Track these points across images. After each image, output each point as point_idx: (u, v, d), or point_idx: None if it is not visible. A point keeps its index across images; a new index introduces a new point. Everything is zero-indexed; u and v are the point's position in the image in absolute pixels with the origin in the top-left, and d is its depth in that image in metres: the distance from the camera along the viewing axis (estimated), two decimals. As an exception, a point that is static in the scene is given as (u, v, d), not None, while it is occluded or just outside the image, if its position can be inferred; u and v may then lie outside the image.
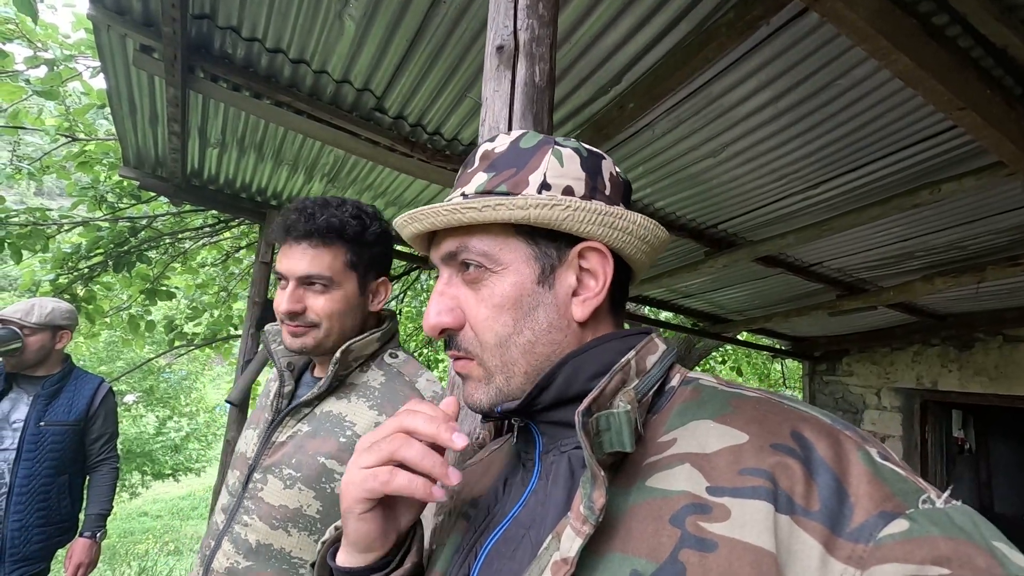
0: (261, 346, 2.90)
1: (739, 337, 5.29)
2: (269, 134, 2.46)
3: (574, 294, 0.53)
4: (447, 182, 2.44)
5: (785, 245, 2.78)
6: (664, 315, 5.37)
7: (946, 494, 0.37)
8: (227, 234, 3.88)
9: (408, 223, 0.54)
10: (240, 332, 3.54)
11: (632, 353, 0.50)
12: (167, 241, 3.46)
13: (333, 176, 2.83)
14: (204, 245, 4.01)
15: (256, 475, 0.94)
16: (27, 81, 2.24)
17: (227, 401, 2.58)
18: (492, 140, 0.56)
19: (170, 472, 12.65)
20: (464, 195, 0.53)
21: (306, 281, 0.95)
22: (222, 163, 2.77)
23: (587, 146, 0.55)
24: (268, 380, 1.11)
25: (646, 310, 5.44)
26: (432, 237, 0.57)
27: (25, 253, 2.85)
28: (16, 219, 2.78)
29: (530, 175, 0.51)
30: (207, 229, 3.50)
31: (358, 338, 0.97)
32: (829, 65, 1.67)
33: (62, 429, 2.03)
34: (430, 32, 1.74)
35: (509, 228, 0.52)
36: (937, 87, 1.47)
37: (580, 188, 0.52)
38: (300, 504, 0.89)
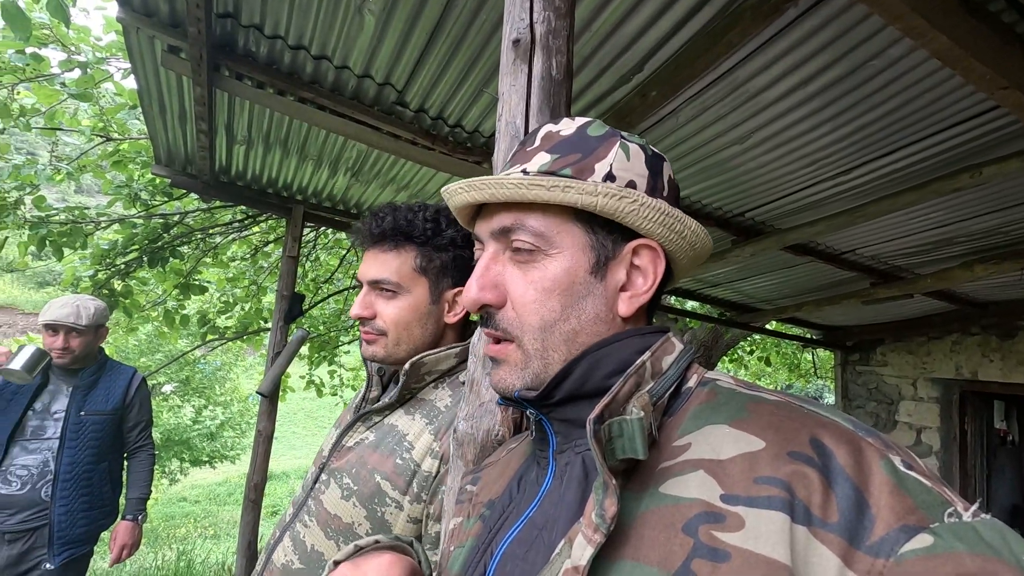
0: (290, 338, 2.97)
1: (768, 327, 5.19)
2: (293, 130, 2.49)
3: (622, 289, 0.53)
4: (469, 174, 2.44)
5: (815, 233, 2.71)
6: (690, 304, 5.29)
7: (974, 507, 0.35)
8: (255, 229, 3.97)
9: (464, 191, 0.52)
10: (270, 325, 3.62)
11: (647, 354, 0.49)
12: (198, 236, 3.56)
13: (357, 170, 2.85)
14: (234, 240, 4.10)
15: (323, 476, 0.93)
16: (63, 84, 2.32)
17: (257, 392, 2.65)
18: (555, 123, 0.55)
19: (207, 459, 13.09)
20: (525, 172, 0.52)
21: (376, 286, 0.92)
22: (249, 159, 2.82)
23: (651, 146, 0.56)
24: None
25: (671, 300, 5.37)
26: (479, 209, 0.56)
27: (66, 250, 2.97)
28: (57, 217, 2.90)
29: (596, 163, 0.51)
30: (236, 224, 3.59)
31: (432, 352, 0.92)
32: (861, 46, 1.61)
33: (101, 418, 2.12)
34: (450, 24, 1.73)
35: (569, 212, 0.51)
36: (977, 66, 1.40)
37: (643, 184, 0.52)
38: (352, 520, 0.85)
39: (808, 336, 5.48)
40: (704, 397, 0.48)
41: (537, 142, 0.54)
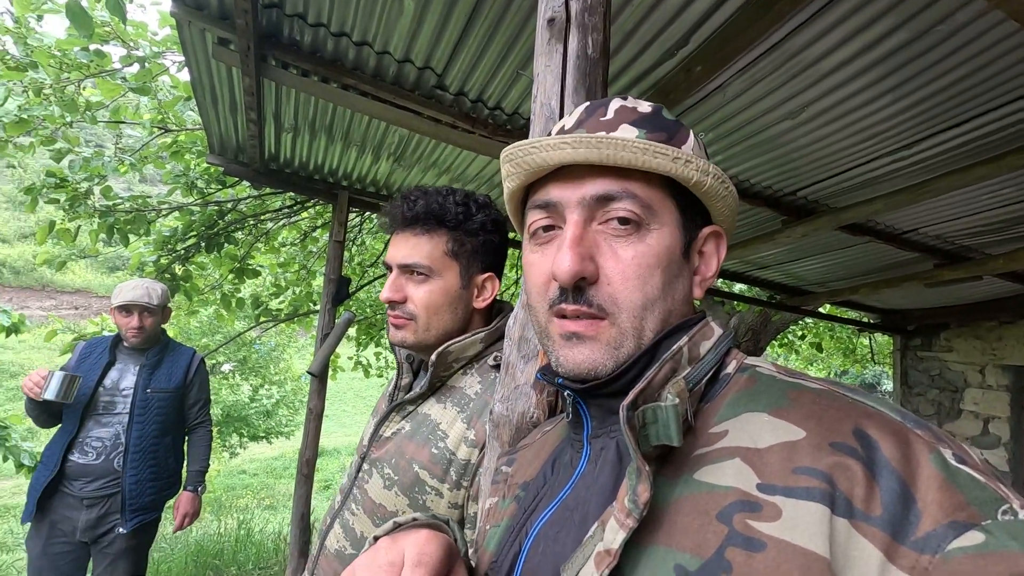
0: (338, 320, 3.06)
1: (820, 310, 4.98)
2: (337, 117, 2.54)
3: (695, 272, 0.52)
4: (509, 157, 2.43)
5: (873, 212, 2.57)
6: (738, 287, 5.14)
7: (1013, 497, 0.33)
8: (304, 214, 4.09)
9: (571, 147, 0.47)
10: (319, 308, 3.74)
11: (684, 339, 0.48)
12: (251, 222, 3.70)
13: (399, 155, 2.89)
14: (284, 225, 4.24)
15: (365, 465, 0.95)
16: (124, 79, 2.44)
17: (308, 372, 2.75)
18: (623, 98, 0.53)
19: (263, 435, 13.76)
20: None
21: (406, 269, 0.92)
22: (296, 147, 2.90)
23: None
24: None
25: (719, 282, 5.23)
26: (546, 178, 0.51)
27: (131, 236, 3.16)
28: (123, 206, 3.08)
29: (682, 144, 0.50)
30: (285, 210, 3.71)
31: (458, 339, 0.92)
32: (927, 10, 1.50)
33: (165, 395, 2.27)
34: (488, 4, 1.72)
35: (666, 188, 0.49)
36: (1060, 26, 1.28)
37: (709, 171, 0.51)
38: (396, 508, 0.87)
39: (864, 320, 5.23)
40: (743, 384, 0.47)
41: (611, 114, 0.51)
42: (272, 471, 14.33)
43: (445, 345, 0.91)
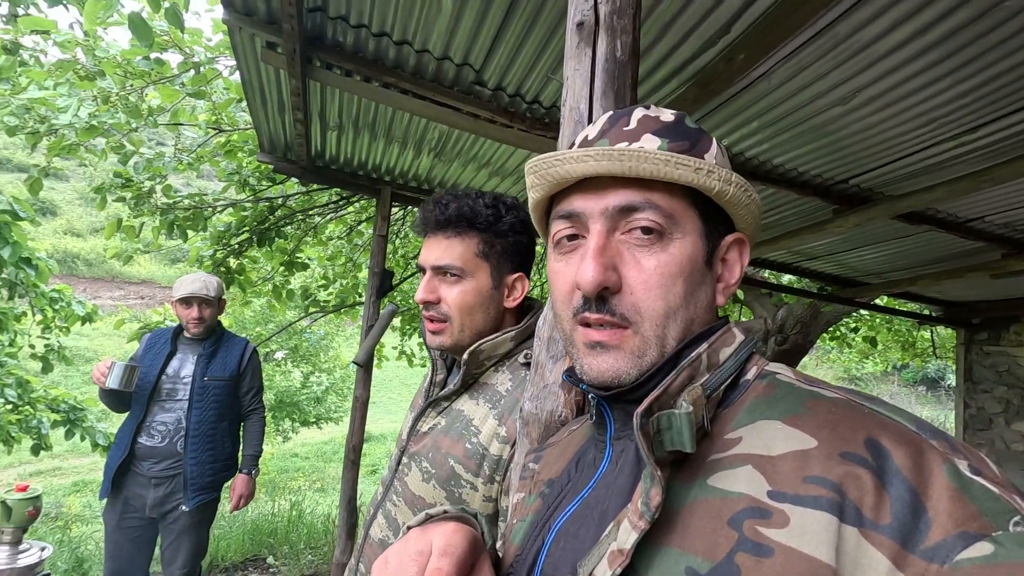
0: (383, 311, 3.15)
1: (876, 302, 4.76)
2: (379, 114, 2.60)
3: (717, 280, 0.53)
4: (548, 149, 2.43)
5: (932, 200, 2.44)
6: (787, 278, 4.97)
7: None
8: (350, 209, 4.22)
9: (594, 159, 0.48)
10: (364, 299, 3.85)
11: (704, 346, 0.49)
12: (299, 217, 3.85)
13: (439, 150, 2.93)
14: (331, 219, 4.38)
15: (404, 459, 0.99)
16: (182, 84, 2.58)
17: (353, 363, 2.85)
18: (646, 107, 0.54)
19: (314, 420, 14.31)
20: (644, 149, 0.49)
21: (440, 271, 0.94)
22: (340, 144, 2.99)
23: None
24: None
25: (766, 274, 5.08)
26: (570, 188, 0.52)
27: (189, 232, 3.34)
28: (181, 204, 3.26)
29: (704, 154, 0.51)
30: (332, 205, 3.84)
31: (488, 338, 0.94)
32: (991, -14, 1.41)
33: (221, 383, 2.41)
34: (522, 4, 1.72)
35: (688, 197, 0.50)
36: None
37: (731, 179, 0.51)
38: (434, 500, 0.91)
39: (924, 312, 4.97)
40: (761, 390, 0.47)
41: (633, 124, 0.52)
42: (322, 455, 14.91)
43: (477, 344, 0.93)
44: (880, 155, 2.35)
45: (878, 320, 6.08)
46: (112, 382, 2.11)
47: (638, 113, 0.53)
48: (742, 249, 0.54)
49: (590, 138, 0.54)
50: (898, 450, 0.37)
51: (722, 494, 0.41)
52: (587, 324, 0.50)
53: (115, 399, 2.26)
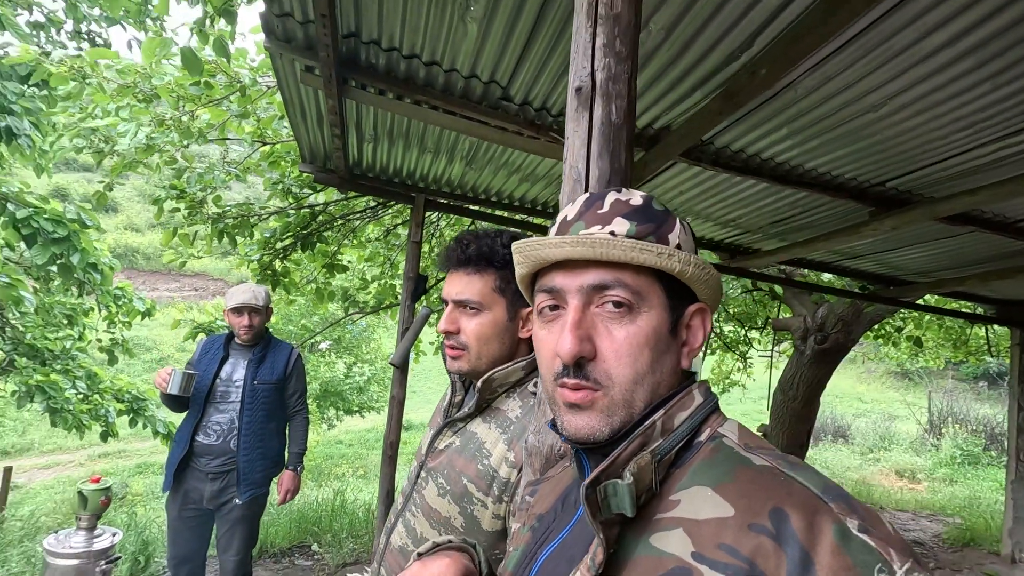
0: (417, 314, 3.27)
1: (922, 301, 4.58)
2: (412, 127, 2.70)
3: (682, 344, 0.59)
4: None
5: (974, 203, 2.36)
6: (827, 276, 4.85)
7: (907, 565, 0.40)
8: (387, 212, 4.36)
9: (569, 246, 0.55)
10: (400, 301, 4.00)
11: (660, 413, 0.55)
12: (339, 222, 4.02)
13: (471, 158, 3.01)
14: (369, 221, 4.54)
15: (423, 473, 1.07)
16: (228, 101, 2.74)
17: (390, 363, 2.98)
18: (618, 191, 0.61)
19: (357, 409, 14.76)
20: (613, 234, 0.56)
21: (460, 304, 1.03)
22: (376, 154, 3.10)
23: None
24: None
25: (806, 272, 4.96)
26: (551, 266, 0.59)
27: (238, 238, 3.55)
28: (230, 213, 3.47)
29: (669, 234, 0.57)
30: (369, 211, 3.99)
31: (502, 367, 1.02)
32: (1023, -2, 1.37)
33: (268, 386, 2.58)
34: (547, 23, 1.77)
35: (653, 275, 0.56)
36: None
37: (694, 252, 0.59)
38: (449, 514, 0.98)
39: (975, 311, 4.75)
40: (707, 453, 0.54)
41: (607, 207, 0.58)
42: (365, 443, 15.40)
43: (490, 372, 1.02)
44: (918, 158, 2.29)
45: (927, 316, 5.84)
46: (172, 388, 2.31)
47: (611, 197, 0.59)
48: (704, 316, 0.60)
49: (569, 219, 0.61)
50: (796, 515, 0.44)
51: (658, 552, 0.48)
52: (566, 386, 0.57)
53: (175, 402, 2.46)
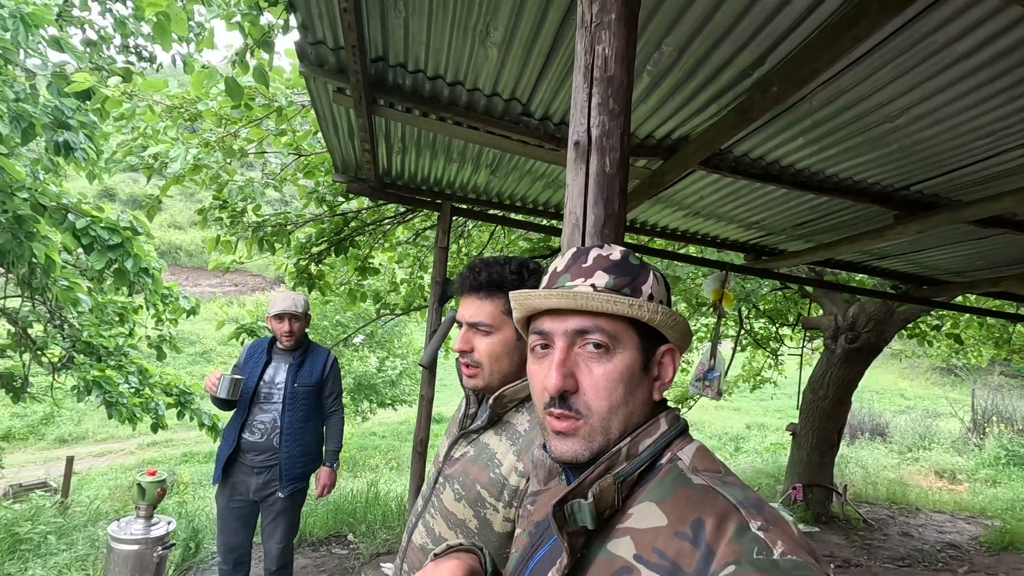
0: (444, 317, 3.40)
1: (958, 300, 4.47)
2: (438, 139, 2.81)
3: (654, 379, 0.69)
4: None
5: (1000, 208, 2.34)
6: (860, 276, 4.77)
7: (781, 549, 0.50)
8: (416, 216, 4.51)
9: (556, 298, 0.65)
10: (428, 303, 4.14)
11: (626, 441, 0.65)
12: (370, 227, 4.18)
13: (495, 167, 3.11)
14: (399, 224, 4.70)
15: (440, 479, 1.18)
16: (268, 120, 2.91)
17: (419, 364, 3.12)
18: (600, 246, 0.71)
19: (390, 402, 15.10)
20: (594, 287, 0.66)
21: (473, 326, 1.12)
22: (404, 163, 3.23)
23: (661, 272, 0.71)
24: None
25: (840, 273, 4.89)
26: (542, 312, 0.69)
27: (276, 245, 3.75)
28: (269, 221, 3.67)
29: (642, 285, 0.67)
30: (398, 216, 4.14)
31: (512, 384, 1.10)
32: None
33: (308, 388, 2.76)
34: (564, 44, 1.85)
35: (627, 320, 0.66)
36: None
37: (666, 302, 0.69)
38: (464, 517, 1.07)
39: (1015, 311, 4.61)
40: (663, 474, 0.63)
41: (590, 261, 0.68)
42: (398, 434, 15.77)
43: (501, 389, 1.11)
44: (942, 163, 2.28)
45: (966, 314, 5.67)
46: (221, 392, 2.51)
47: (594, 253, 0.70)
48: (674, 355, 0.69)
49: (558, 271, 0.71)
50: (710, 521, 0.54)
51: (611, 556, 0.59)
52: (552, 415, 0.67)
53: (223, 403, 2.66)
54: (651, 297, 0.66)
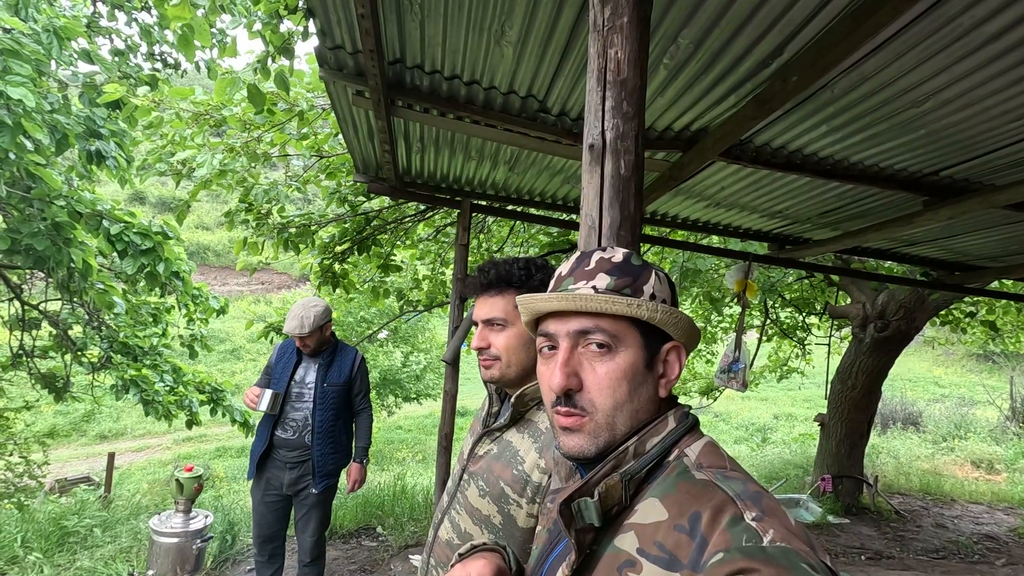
0: (466, 314, 3.44)
1: (993, 286, 4.33)
2: (457, 137, 2.83)
3: (660, 376, 0.70)
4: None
5: (1034, 192, 2.27)
6: (888, 263, 4.66)
7: (771, 537, 0.51)
8: (437, 213, 4.55)
9: (557, 301, 0.68)
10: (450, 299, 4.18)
11: (633, 440, 0.66)
12: (391, 225, 4.24)
13: (513, 163, 3.12)
14: (419, 221, 4.75)
15: (465, 476, 1.20)
16: (289, 124, 2.97)
17: (442, 360, 3.17)
18: (603, 249, 0.73)
19: (415, 396, 15.29)
20: (595, 288, 0.68)
21: (488, 323, 1.16)
22: (424, 162, 3.26)
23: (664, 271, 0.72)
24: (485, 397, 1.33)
25: (866, 260, 4.78)
26: (547, 315, 0.72)
27: (300, 246, 3.84)
28: (293, 223, 3.75)
29: (644, 285, 0.69)
30: (419, 214, 4.18)
31: (532, 383, 1.13)
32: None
33: (336, 388, 2.83)
34: (579, 40, 1.85)
35: (629, 320, 0.68)
36: None
37: (669, 300, 0.70)
38: (488, 513, 1.10)
39: (1054, 296, 4.45)
40: (670, 470, 0.65)
41: (592, 264, 0.70)
42: (423, 428, 15.97)
43: (523, 388, 1.14)
44: (973, 147, 2.22)
45: (1002, 300, 5.48)
46: (263, 407, 2.62)
47: (596, 256, 0.71)
48: (679, 353, 0.70)
49: (563, 274, 0.73)
50: (706, 514, 0.56)
51: (616, 550, 0.61)
52: (559, 413, 0.69)
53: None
54: (653, 296, 0.68)
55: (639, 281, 0.68)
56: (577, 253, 0.75)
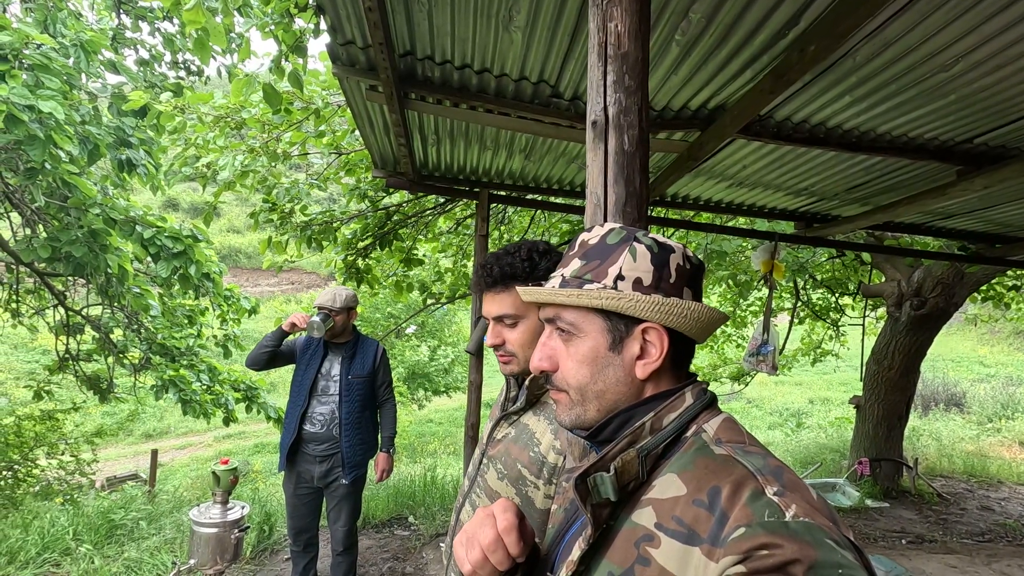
0: (487, 304, 3.45)
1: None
2: (471, 127, 2.83)
3: (640, 358, 0.69)
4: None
5: (1078, 155, 2.15)
6: (924, 237, 4.49)
7: (793, 512, 0.51)
8: (457, 205, 4.57)
9: (526, 295, 0.76)
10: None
11: (649, 416, 0.66)
12: (412, 220, 4.27)
13: (528, 152, 3.11)
14: (440, 214, 4.78)
15: (484, 460, 1.23)
16: (307, 122, 3.02)
17: (466, 351, 3.19)
18: (590, 231, 0.73)
19: (443, 389, 15.44)
20: (564, 277, 0.71)
21: (499, 320, 1.15)
22: (440, 154, 3.28)
23: (661, 240, 0.70)
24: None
25: (905, 237, 4.62)
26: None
27: (324, 243, 3.90)
28: (316, 220, 3.81)
29: (609, 268, 0.68)
30: (438, 207, 4.20)
31: None
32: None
33: (361, 380, 2.88)
34: (588, 22, 1.82)
35: (591, 308, 0.69)
36: None
37: (648, 279, 0.68)
38: (507, 495, 1.11)
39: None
40: (687, 447, 0.64)
41: (575, 248, 0.73)
42: (453, 420, 16.12)
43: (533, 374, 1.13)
44: (1008, 111, 2.12)
45: (1049, 273, 5.22)
46: (316, 332, 2.66)
47: (581, 237, 0.73)
48: (659, 334, 0.68)
49: (567, 255, 0.75)
50: (726, 489, 0.56)
51: (634, 525, 0.62)
52: (550, 389, 0.75)
53: (269, 359, 2.81)
54: (621, 278, 0.67)
55: (605, 263, 0.69)
56: (578, 236, 0.75)
